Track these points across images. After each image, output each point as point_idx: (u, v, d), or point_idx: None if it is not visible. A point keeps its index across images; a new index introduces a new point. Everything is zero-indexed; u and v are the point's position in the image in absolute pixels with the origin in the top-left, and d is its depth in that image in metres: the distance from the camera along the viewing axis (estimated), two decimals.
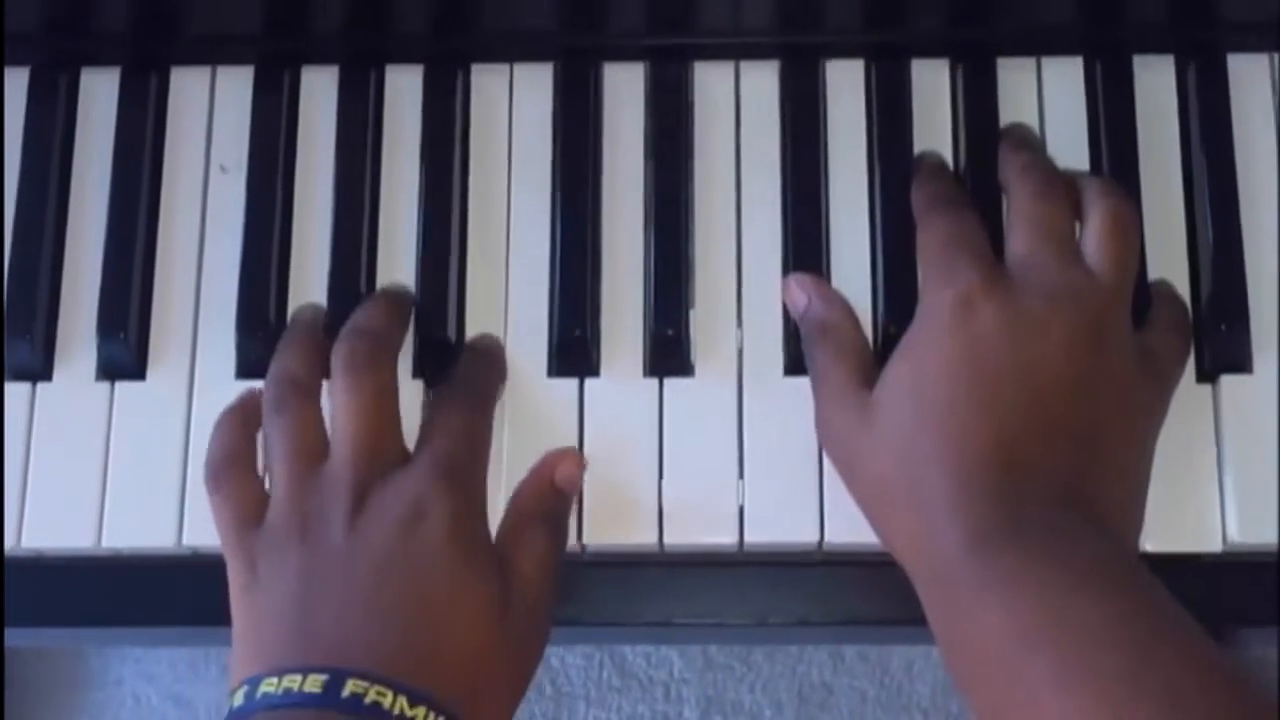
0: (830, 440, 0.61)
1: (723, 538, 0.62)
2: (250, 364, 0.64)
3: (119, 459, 0.64)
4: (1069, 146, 0.65)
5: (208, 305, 0.65)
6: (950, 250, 0.60)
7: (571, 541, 0.62)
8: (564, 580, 0.62)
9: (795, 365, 0.63)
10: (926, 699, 1.30)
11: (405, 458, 0.60)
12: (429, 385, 0.64)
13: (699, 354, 0.64)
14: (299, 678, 0.54)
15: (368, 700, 0.54)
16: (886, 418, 0.58)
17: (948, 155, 0.65)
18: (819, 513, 0.62)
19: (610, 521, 0.62)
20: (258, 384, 0.63)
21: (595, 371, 0.64)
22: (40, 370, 0.65)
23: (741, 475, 0.62)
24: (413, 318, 0.64)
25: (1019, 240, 0.60)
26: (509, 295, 0.65)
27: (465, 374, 0.63)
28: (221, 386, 0.64)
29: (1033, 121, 0.66)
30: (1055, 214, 0.61)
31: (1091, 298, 0.59)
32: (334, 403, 0.61)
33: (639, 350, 0.64)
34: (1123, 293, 0.60)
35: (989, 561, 0.54)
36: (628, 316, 0.64)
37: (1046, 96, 0.66)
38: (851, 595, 0.63)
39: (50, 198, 0.66)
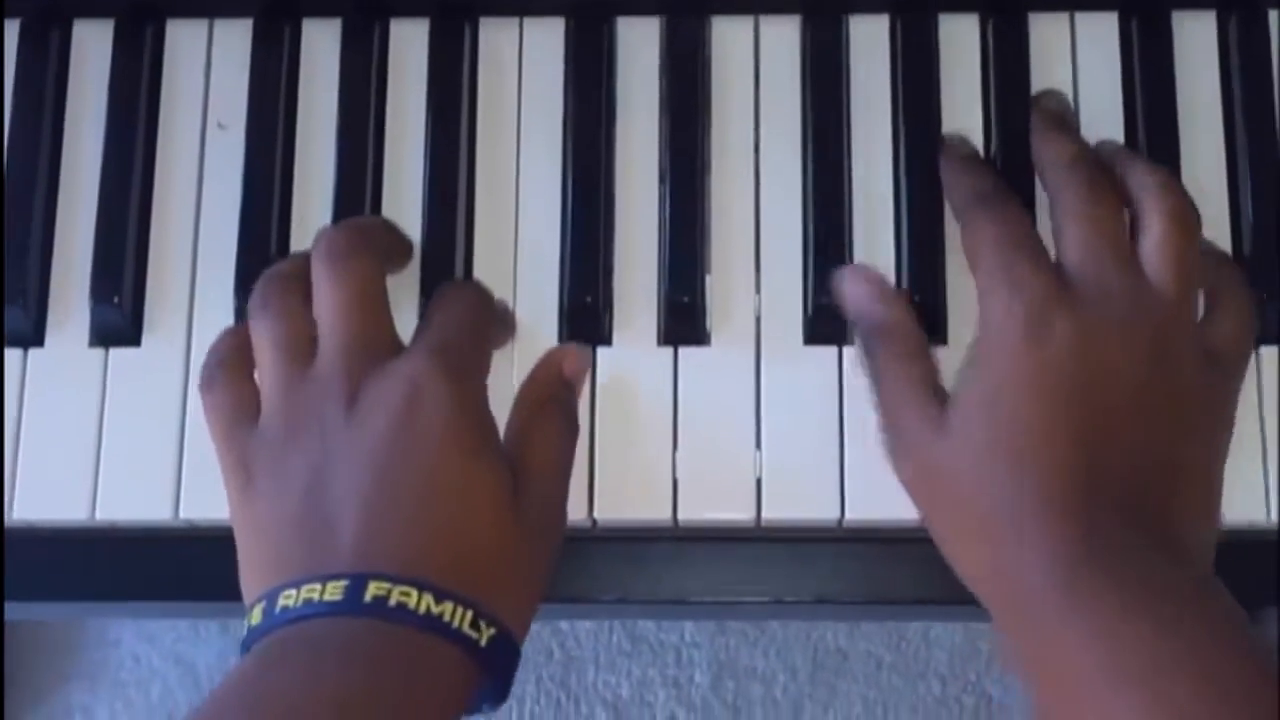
0: (901, 453, 0.59)
1: (739, 513, 0.61)
2: None
3: (113, 428, 0.63)
4: (1103, 106, 0.64)
5: (205, 268, 0.64)
6: (1007, 254, 0.58)
7: (582, 515, 0.61)
8: (574, 555, 0.61)
9: (815, 334, 0.62)
10: (944, 665, 1.30)
11: (399, 348, 0.59)
12: None
13: (715, 322, 0.63)
14: (318, 586, 0.53)
15: (392, 602, 0.53)
16: (963, 438, 0.56)
17: (977, 114, 0.64)
18: (839, 488, 0.61)
19: (622, 495, 0.61)
20: None
21: (607, 339, 0.63)
22: (31, 336, 0.64)
23: (759, 448, 0.61)
24: (418, 283, 0.63)
25: (1074, 246, 0.58)
26: (517, 260, 0.64)
27: (467, 286, 0.62)
28: None
29: (1066, 81, 0.64)
30: (1109, 216, 0.59)
31: (1157, 310, 0.57)
32: (317, 297, 0.59)
33: (653, 318, 0.63)
34: (1187, 301, 0.58)
35: (1074, 590, 0.52)
36: (641, 282, 0.63)
37: (1080, 53, 0.64)
38: (872, 572, 0.63)
39: (41, 157, 0.65)
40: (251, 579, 0.56)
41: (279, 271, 0.61)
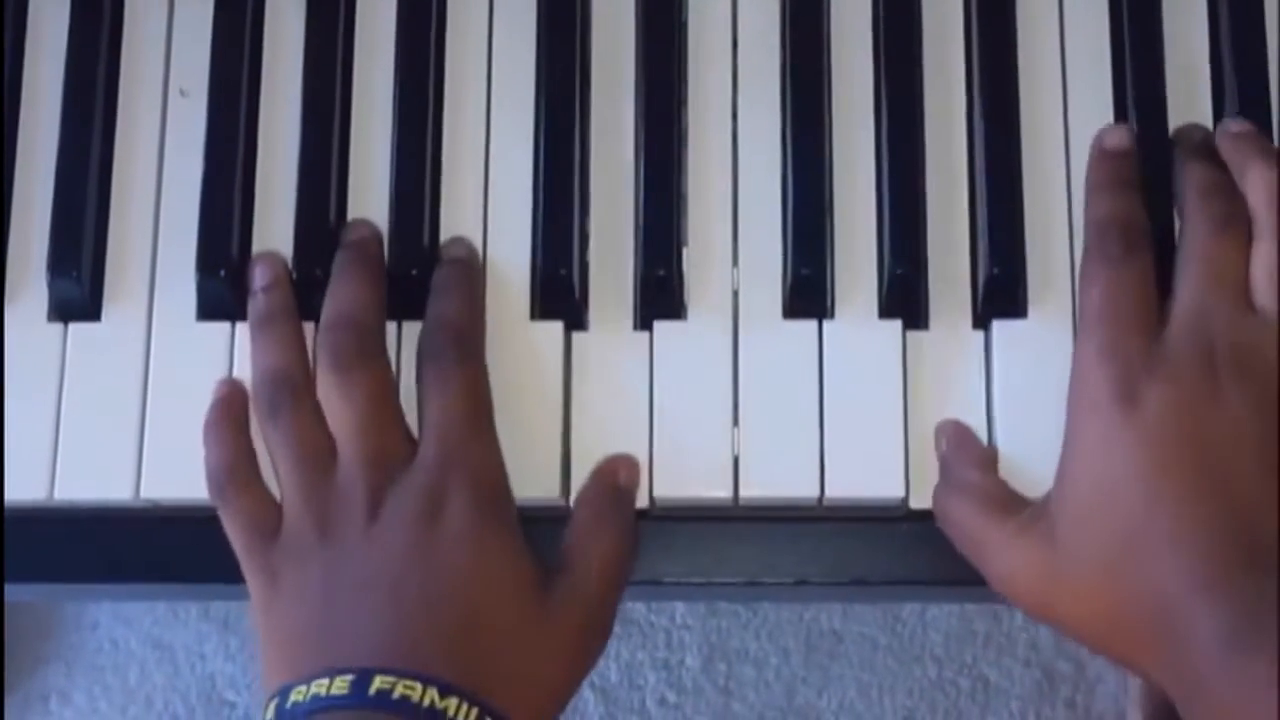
0: (1021, 590, 0.58)
1: (716, 491, 0.61)
2: (212, 304, 0.63)
3: (73, 405, 0.62)
4: (1089, 63, 0.63)
5: (167, 241, 0.64)
6: (1110, 318, 0.57)
7: (556, 495, 0.61)
8: (549, 536, 0.60)
9: (795, 308, 0.62)
10: (940, 647, 1.30)
11: (413, 447, 0.60)
12: (401, 323, 0.62)
13: (692, 295, 0.62)
14: (326, 681, 0.55)
15: (396, 695, 0.54)
16: (1084, 547, 0.55)
17: (960, 76, 0.63)
18: (819, 464, 0.60)
19: None
20: (218, 325, 0.63)
21: (581, 314, 0.62)
22: None
23: (736, 424, 0.61)
24: (385, 255, 0.63)
25: (1187, 285, 0.58)
26: (488, 231, 0.63)
27: (444, 316, 0.61)
28: (182, 327, 0.63)
29: (1053, 40, 0.64)
30: (1230, 253, 0.58)
31: (1263, 351, 0.56)
32: (328, 405, 0.60)
33: (628, 292, 0.62)
34: None
35: (1242, 663, 0.52)
36: (616, 255, 0.63)
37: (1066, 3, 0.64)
38: (854, 553, 0.62)
39: None
40: (269, 676, 0.58)
41: (280, 372, 0.61)
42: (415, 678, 0.55)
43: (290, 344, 0.62)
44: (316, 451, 0.60)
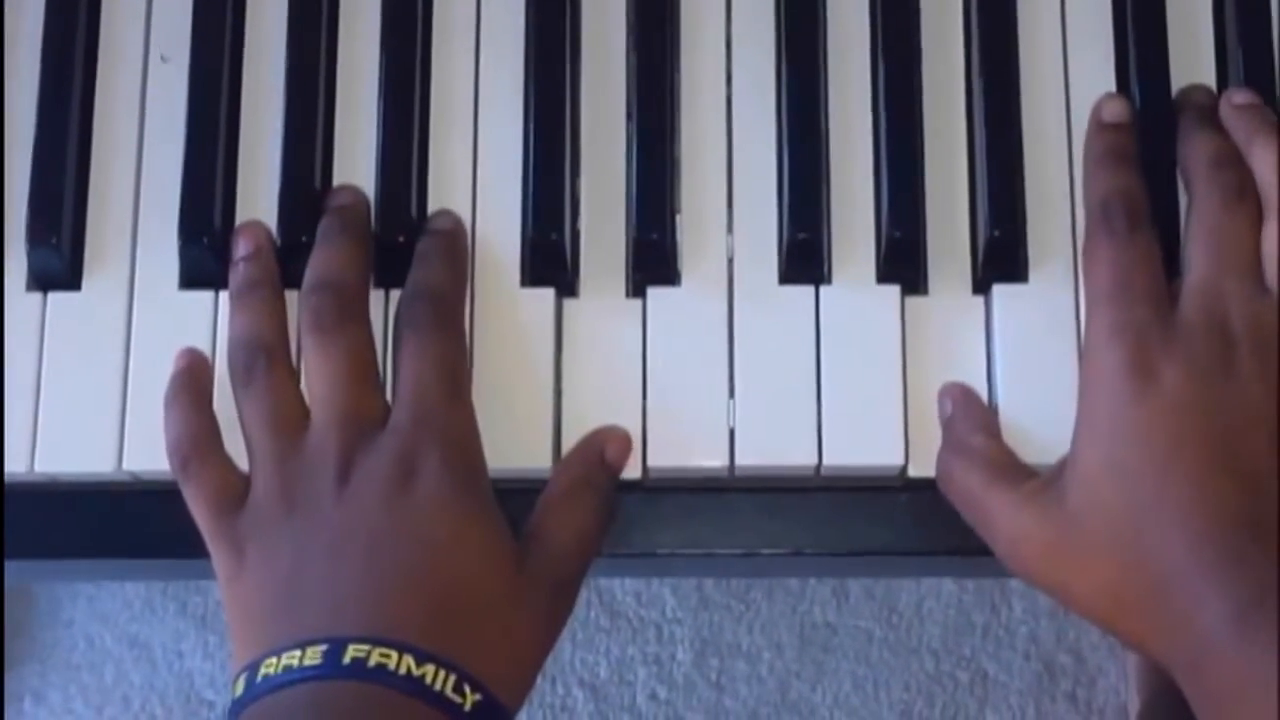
0: (1028, 561, 0.58)
1: (711, 460, 0.61)
2: (194, 272, 0.63)
3: (53, 376, 0.63)
4: (1090, 23, 0.64)
5: (148, 208, 0.64)
6: (1119, 294, 0.58)
7: (547, 465, 0.61)
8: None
9: (790, 273, 0.62)
10: (938, 640, 1.30)
11: (388, 413, 0.60)
12: (389, 291, 0.63)
13: (686, 261, 0.63)
14: (298, 653, 0.55)
15: (371, 663, 0.54)
16: (1094, 518, 0.56)
17: (958, 40, 0.64)
18: (816, 433, 0.61)
19: None
20: (201, 294, 0.63)
21: (572, 280, 0.63)
22: None
23: (732, 394, 0.61)
24: (371, 220, 0.63)
25: (1200, 261, 0.59)
26: (477, 196, 0.63)
27: (423, 283, 0.62)
28: (164, 296, 0.63)
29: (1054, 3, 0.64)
30: (1243, 229, 0.59)
31: (1275, 325, 0.57)
32: (306, 365, 0.61)
33: (620, 258, 0.63)
34: None
35: (1252, 637, 0.52)
36: (608, 222, 0.63)
37: None
38: (852, 523, 0.63)
39: None
40: (239, 652, 0.58)
41: (256, 338, 0.61)
42: (390, 645, 0.54)
43: (268, 311, 0.62)
44: (288, 417, 0.60)
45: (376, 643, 0.55)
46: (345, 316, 0.61)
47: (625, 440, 0.61)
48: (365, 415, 0.59)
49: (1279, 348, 0.57)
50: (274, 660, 0.55)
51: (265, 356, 0.61)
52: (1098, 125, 0.63)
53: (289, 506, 0.58)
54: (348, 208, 0.63)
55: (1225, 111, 0.62)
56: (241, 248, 0.63)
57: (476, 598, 0.57)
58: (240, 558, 0.59)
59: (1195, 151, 0.61)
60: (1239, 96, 0.62)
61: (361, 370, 0.60)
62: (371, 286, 0.63)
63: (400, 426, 0.59)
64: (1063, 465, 0.58)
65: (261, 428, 0.60)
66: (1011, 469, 0.59)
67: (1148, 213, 0.60)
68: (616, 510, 0.62)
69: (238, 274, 0.62)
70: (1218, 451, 0.55)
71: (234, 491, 0.60)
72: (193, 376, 0.62)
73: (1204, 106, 0.63)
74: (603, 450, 0.61)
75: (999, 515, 0.58)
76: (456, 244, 0.63)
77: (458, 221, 0.63)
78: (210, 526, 0.60)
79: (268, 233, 0.63)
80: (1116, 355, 0.57)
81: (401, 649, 0.54)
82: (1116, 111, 0.62)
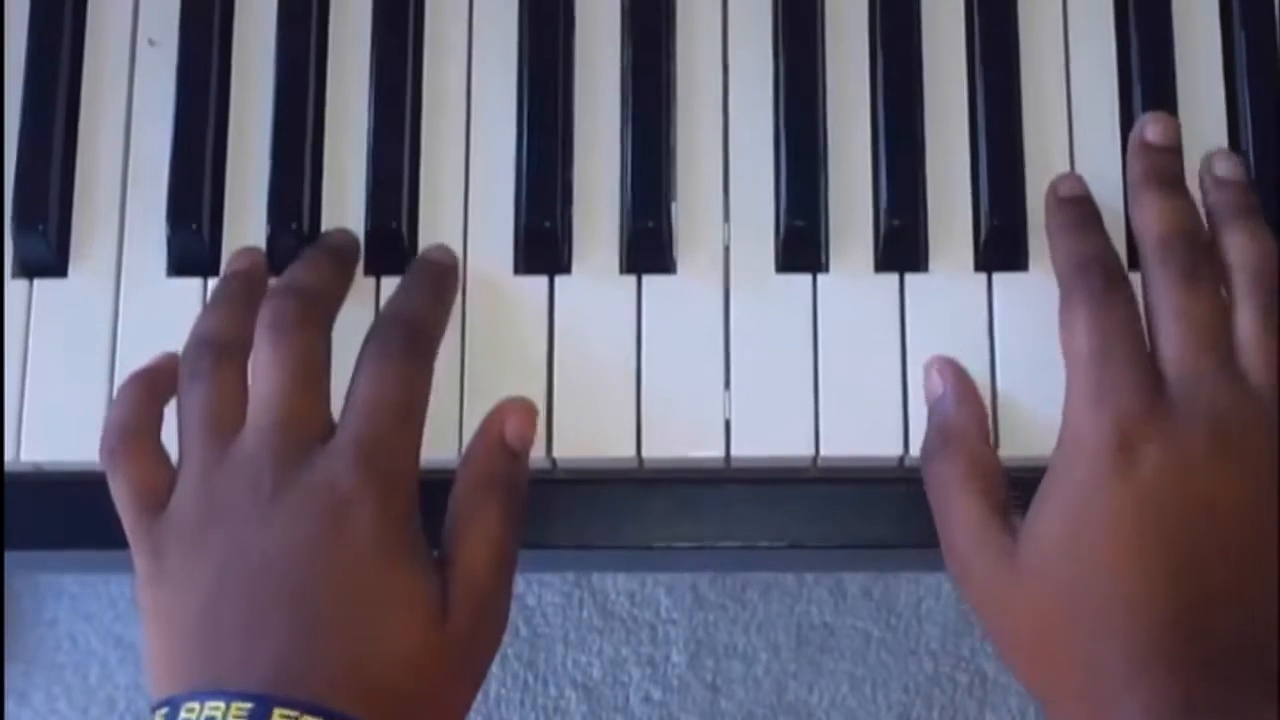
0: (968, 583, 0.58)
1: (707, 451, 0.61)
2: (182, 260, 0.63)
3: (39, 364, 0.63)
4: (1092, 9, 0.64)
5: (136, 194, 0.64)
6: (1102, 360, 0.56)
7: (540, 455, 0.61)
8: (531, 499, 0.61)
9: (788, 261, 0.62)
10: (937, 641, 1.30)
11: (330, 430, 0.58)
12: (380, 278, 0.63)
13: (681, 249, 0.63)
14: (221, 705, 0.53)
15: None
16: (1042, 576, 0.56)
17: (960, 29, 0.64)
18: (814, 424, 0.61)
19: (582, 433, 0.62)
20: (189, 281, 0.63)
21: (566, 268, 0.63)
22: None
23: (728, 384, 0.61)
24: (363, 208, 0.63)
25: (1171, 343, 0.57)
26: (470, 182, 0.64)
27: (403, 309, 0.60)
28: (151, 284, 0.63)
29: None
30: (1209, 308, 0.57)
31: (1262, 427, 0.55)
32: (254, 364, 0.59)
33: (615, 245, 0.63)
34: None
35: None
36: (603, 207, 0.63)
37: None
38: (850, 516, 0.63)
39: None
40: (156, 670, 0.57)
41: (213, 336, 0.60)
42: (316, 712, 0.53)
43: (235, 318, 0.60)
44: (223, 417, 0.58)
45: (304, 708, 0.53)
46: (306, 321, 0.59)
47: (524, 412, 0.60)
48: (305, 425, 0.58)
49: (1264, 451, 0.55)
50: (196, 706, 0.53)
51: (214, 353, 0.59)
52: (1056, 200, 0.61)
53: (213, 517, 0.57)
54: (337, 244, 0.63)
55: (1206, 181, 0.61)
56: (232, 263, 0.63)
57: (405, 656, 0.56)
58: (160, 561, 0.57)
59: (1146, 219, 0.59)
60: (1222, 167, 0.61)
61: (311, 377, 0.58)
62: (342, 305, 0.61)
63: (341, 448, 0.57)
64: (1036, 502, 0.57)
65: (195, 424, 0.58)
66: (992, 476, 0.58)
67: (1125, 274, 0.59)
68: (527, 498, 0.59)
69: (221, 285, 0.62)
70: (1174, 553, 0.54)
71: (160, 492, 0.58)
72: (156, 373, 0.61)
73: (1154, 168, 0.60)
74: (501, 432, 0.60)
75: (961, 524, 0.58)
76: (446, 279, 0.62)
77: (451, 256, 0.63)
78: (130, 524, 0.58)
79: (261, 260, 0.63)
80: (1098, 424, 0.56)
81: (328, 718, 0.53)
82: (1072, 187, 0.62)
